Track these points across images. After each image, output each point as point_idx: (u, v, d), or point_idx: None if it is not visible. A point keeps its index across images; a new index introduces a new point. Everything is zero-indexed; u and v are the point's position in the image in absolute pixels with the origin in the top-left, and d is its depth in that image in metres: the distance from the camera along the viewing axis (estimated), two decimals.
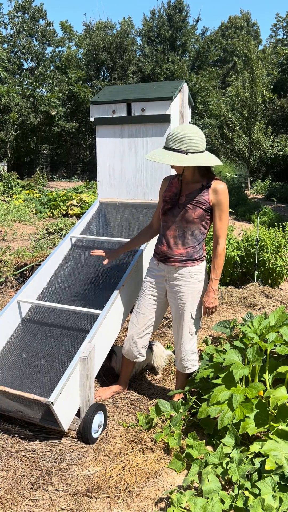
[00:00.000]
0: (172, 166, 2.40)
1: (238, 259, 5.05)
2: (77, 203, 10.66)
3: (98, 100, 3.31)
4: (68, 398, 2.23)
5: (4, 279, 4.98)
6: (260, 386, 2.30)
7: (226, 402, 2.27)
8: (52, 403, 2.10)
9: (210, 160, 2.32)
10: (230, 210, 6.44)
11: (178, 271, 2.48)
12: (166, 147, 2.32)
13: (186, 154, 2.26)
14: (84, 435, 2.29)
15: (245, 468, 1.97)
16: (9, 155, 23.43)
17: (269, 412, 2.22)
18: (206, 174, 2.45)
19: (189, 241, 2.45)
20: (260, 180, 20.68)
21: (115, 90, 3.50)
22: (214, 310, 2.52)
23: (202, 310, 2.53)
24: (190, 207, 2.40)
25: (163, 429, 2.37)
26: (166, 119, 3.11)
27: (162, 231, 2.54)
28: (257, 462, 2.03)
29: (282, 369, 2.43)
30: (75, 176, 26.96)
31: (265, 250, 5.01)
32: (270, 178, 20.74)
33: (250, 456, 2.10)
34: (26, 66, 27.77)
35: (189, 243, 2.45)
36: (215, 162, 2.35)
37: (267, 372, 2.52)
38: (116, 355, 2.97)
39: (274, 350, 2.89)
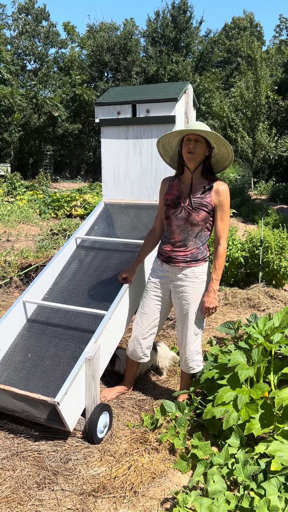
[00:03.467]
0: (190, 154, 2.37)
1: (242, 260, 5.05)
2: (80, 204, 10.68)
3: (103, 101, 3.32)
4: (73, 398, 2.24)
5: (8, 279, 5.00)
6: (265, 387, 2.30)
7: (231, 403, 2.27)
8: (58, 403, 2.11)
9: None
10: (234, 211, 6.43)
11: (182, 272, 2.48)
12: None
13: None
14: (89, 435, 2.30)
15: (251, 469, 1.97)
16: (13, 156, 23.51)
17: (274, 413, 2.22)
18: (208, 176, 2.46)
19: (193, 242, 2.45)
20: (263, 181, 20.66)
21: (120, 92, 3.51)
22: (214, 311, 2.53)
23: (202, 310, 2.53)
24: (193, 210, 2.41)
25: (168, 430, 2.37)
26: (171, 120, 3.12)
27: (166, 233, 2.54)
28: (262, 463, 2.03)
29: (287, 370, 2.43)
30: (79, 177, 27.02)
31: (269, 251, 5.01)
32: (274, 179, 20.71)
33: (256, 457, 2.10)
34: (29, 67, 27.86)
35: (193, 245, 2.46)
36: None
37: (272, 373, 2.52)
38: (120, 358, 2.98)
39: (279, 351, 2.89)
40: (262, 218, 5.42)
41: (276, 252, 5.00)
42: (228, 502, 1.86)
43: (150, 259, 2.92)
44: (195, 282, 2.48)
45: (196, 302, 2.50)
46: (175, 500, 1.90)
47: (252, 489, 1.91)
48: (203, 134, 2.34)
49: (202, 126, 2.36)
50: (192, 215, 2.41)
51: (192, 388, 2.62)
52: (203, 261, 2.50)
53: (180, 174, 2.52)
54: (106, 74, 27.99)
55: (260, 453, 2.12)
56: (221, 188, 2.42)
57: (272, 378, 2.51)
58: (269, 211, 11.14)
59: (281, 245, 5.04)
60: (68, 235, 7.20)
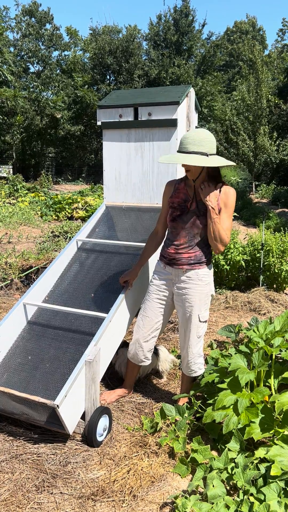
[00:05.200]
0: (187, 171, 2.38)
1: (243, 264, 5.04)
2: (82, 206, 10.69)
3: (105, 104, 3.33)
4: (73, 401, 2.23)
5: (9, 281, 5.00)
6: (265, 391, 2.29)
7: (231, 406, 2.26)
8: (57, 405, 2.10)
9: (228, 161, 2.37)
10: (235, 214, 6.43)
11: (186, 274, 2.48)
12: (185, 151, 2.29)
13: (207, 156, 2.28)
14: (89, 438, 2.29)
15: (250, 474, 1.97)
16: (15, 157, 23.56)
17: (275, 418, 2.21)
18: (215, 178, 2.45)
19: (198, 245, 2.45)
20: (265, 185, 20.67)
21: (122, 95, 3.52)
22: (209, 198, 2.35)
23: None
24: (201, 213, 2.41)
25: (168, 433, 2.37)
26: (172, 123, 3.12)
27: (169, 235, 2.54)
28: (262, 467, 2.02)
29: (287, 374, 2.42)
30: (80, 179, 27.06)
31: (271, 255, 5.00)
32: (275, 182, 20.70)
33: (255, 461, 2.09)
34: (32, 69, 27.97)
35: (197, 247, 2.45)
36: (233, 163, 2.41)
37: (272, 377, 2.51)
38: (119, 358, 2.97)
39: (280, 355, 2.88)
40: (264, 222, 5.41)
41: (277, 256, 5.00)
42: (227, 507, 1.85)
43: (151, 262, 2.93)
44: (198, 285, 2.47)
45: (200, 305, 2.50)
46: (175, 504, 1.89)
47: (251, 494, 1.90)
48: (190, 165, 2.29)
49: (197, 141, 2.27)
50: (199, 218, 2.41)
51: (192, 392, 2.61)
52: (207, 263, 2.50)
53: (186, 178, 2.51)
54: (108, 76, 28.08)
55: (260, 457, 2.11)
56: (229, 192, 2.40)
57: (273, 382, 2.50)
58: (271, 215, 11.14)
59: (282, 248, 5.04)
60: (69, 237, 7.21)
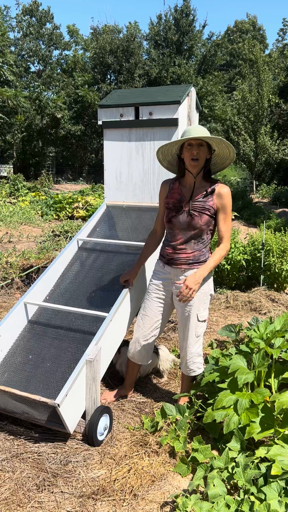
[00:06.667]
0: (195, 159, 2.35)
1: (244, 263, 5.04)
2: (82, 205, 10.70)
3: (106, 103, 3.33)
4: (74, 400, 2.23)
5: (10, 280, 5.01)
6: (265, 391, 2.29)
7: (231, 406, 2.26)
8: (58, 405, 2.10)
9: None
10: (236, 214, 6.43)
11: (185, 274, 2.48)
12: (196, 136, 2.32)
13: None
14: (89, 437, 2.29)
15: (251, 473, 1.97)
16: (15, 157, 23.57)
17: (275, 417, 2.21)
18: (208, 178, 2.46)
19: (195, 245, 2.45)
20: (265, 184, 20.67)
21: (123, 94, 3.51)
22: (188, 296, 2.33)
23: (177, 295, 2.39)
24: (196, 214, 2.41)
25: (168, 433, 2.37)
26: (173, 123, 3.12)
27: (167, 236, 2.54)
28: (262, 467, 2.02)
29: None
30: (81, 178, 27.07)
31: (271, 255, 5.00)
32: (276, 182, 20.69)
33: (256, 461, 2.09)
34: (33, 69, 27.97)
35: (195, 247, 2.45)
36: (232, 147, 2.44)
37: (272, 377, 2.51)
38: (121, 356, 2.97)
39: (280, 355, 2.88)
40: (264, 221, 5.41)
41: (277, 256, 5.00)
42: (228, 506, 1.85)
43: (151, 261, 2.93)
44: None
45: (198, 304, 2.50)
46: (175, 503, 1.89)
47: (252, 493, 1.90)
48: (206, 139, 2.34)
49: (203, 131, 2.36)
50: (194, 219, 2.41)
51: (192, 391, 2.61)
52: (205, 263, 2.50)
53: (181, 177, 2.51)
54: (109, 76, 28.07)
55: (260, 457, 2.11)
56: (223, 191, 2.41)
57: (273, 382, 2.50)
58: (271, 215, 11.14)
59: (283, 248, 5.04)
60: (70, 237, 7.21)
